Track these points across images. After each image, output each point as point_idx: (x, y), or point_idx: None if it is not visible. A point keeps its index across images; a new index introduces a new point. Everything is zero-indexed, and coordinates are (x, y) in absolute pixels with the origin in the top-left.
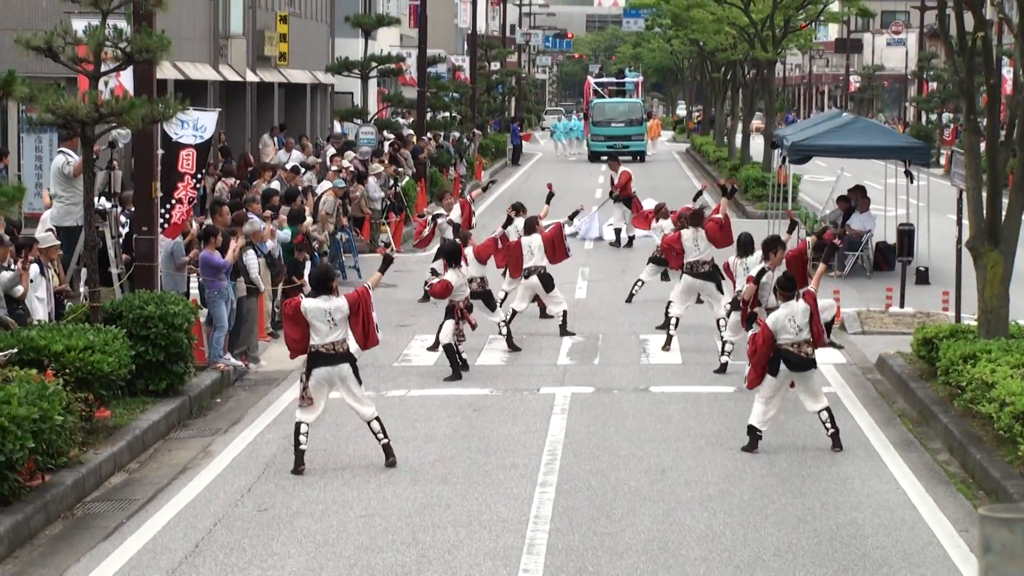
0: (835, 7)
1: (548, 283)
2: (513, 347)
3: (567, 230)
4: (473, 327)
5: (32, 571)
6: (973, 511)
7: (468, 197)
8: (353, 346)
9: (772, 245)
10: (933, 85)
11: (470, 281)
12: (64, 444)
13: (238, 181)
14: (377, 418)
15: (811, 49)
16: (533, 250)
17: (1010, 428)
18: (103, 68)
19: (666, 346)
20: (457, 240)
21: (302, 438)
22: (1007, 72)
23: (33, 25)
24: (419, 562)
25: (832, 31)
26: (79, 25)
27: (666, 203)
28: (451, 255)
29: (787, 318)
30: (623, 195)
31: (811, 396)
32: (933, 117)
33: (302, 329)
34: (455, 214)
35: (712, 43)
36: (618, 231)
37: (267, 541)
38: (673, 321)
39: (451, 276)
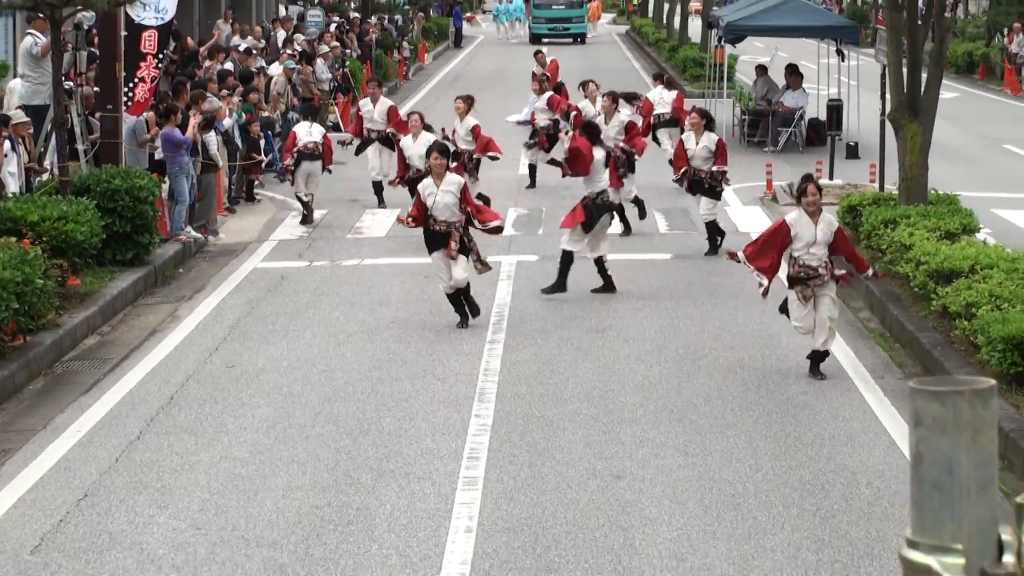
0: None
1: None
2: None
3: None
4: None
5: (20, 421)
6: (889, 361)
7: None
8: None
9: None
10: None
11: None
12: (43, 307)
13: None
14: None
15: None
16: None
17: (924, 285)
18: None
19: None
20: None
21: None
22: None
23: None
24: (379, 409)
25: None
26: None
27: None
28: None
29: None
30: (552, 85)
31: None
32: None
33: None
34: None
35: None
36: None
37: (236, 394)
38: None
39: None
